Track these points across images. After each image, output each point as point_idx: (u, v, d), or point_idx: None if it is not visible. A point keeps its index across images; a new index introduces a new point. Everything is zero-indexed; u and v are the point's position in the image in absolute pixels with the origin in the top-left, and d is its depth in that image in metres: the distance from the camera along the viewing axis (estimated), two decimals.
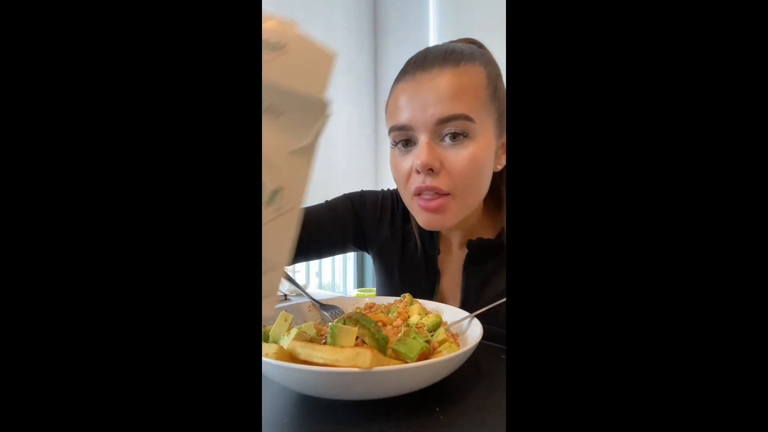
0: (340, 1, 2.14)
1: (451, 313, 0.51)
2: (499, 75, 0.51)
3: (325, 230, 0.62)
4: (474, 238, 0.57)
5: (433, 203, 0.47)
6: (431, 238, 0.61)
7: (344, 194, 0.67)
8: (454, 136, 0.45)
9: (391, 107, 0.50)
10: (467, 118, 0.44)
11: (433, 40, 2.06)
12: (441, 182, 0.46)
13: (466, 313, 0.49)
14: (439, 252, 0.60)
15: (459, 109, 0.44)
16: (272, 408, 0.35)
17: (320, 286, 2.26)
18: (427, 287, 0.60)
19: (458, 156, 0.45)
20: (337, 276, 2.36)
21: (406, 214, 0.64)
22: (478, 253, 0.57)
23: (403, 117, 0.47)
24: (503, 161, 0.52)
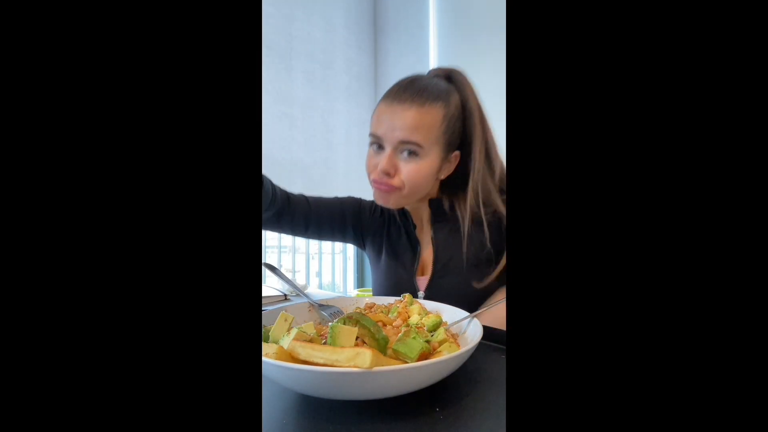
0: (341, 1, 2.14)
1: (451, 312, 0.51)
2: (457, 111, 0.70)
3: (330, 209, 0.83)
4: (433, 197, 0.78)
5: (384, 187, 0.69)
6: (405, 217, 0.81)
7: (350, 197, 0.89)
8: (409, 153, 0.67)
9: (375, 118, 0.70)
10: (419, 145, 0.66)
11: (433, 40, 2.06)
12: (393, 181, 0.68)
13: (466, 313, 0.49)
14: (415, 226, 0.80)
15: (414, 138, 0.65)
16: (272, 408, 0.35)
17: (320, 286, 2.26)
18: (410, 257, 0.79)
19: (408, 167, 0.67)
20: (337, 276, 2.36)
21: (383, 211, 0.84)
22: (438, 210, 0.77)
23: (380, 130, 0.68)
24: (445, 173, 0.73)
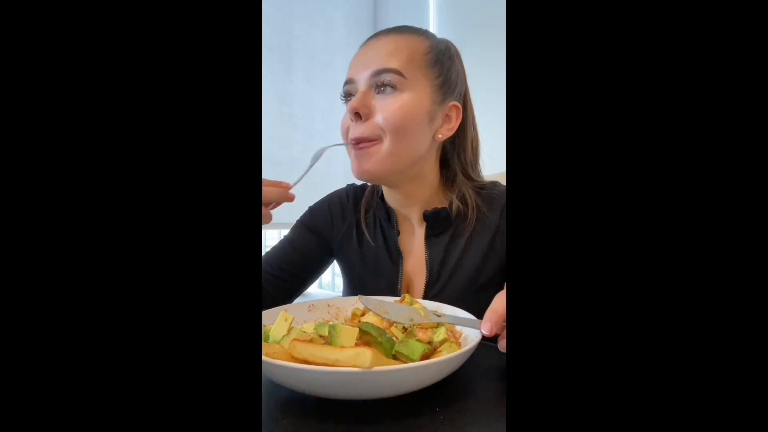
0: (341, 2, 2.14)
1: (451, 312, 0.51)
2: (447, 55, 0.57)
3: (296, 264, 0.65)
4: (430, 209, 0.61)
5: (362, 143, 0.52)
6: (389, 220, 0.63)
7: (296, 222, 0.71)
8: (384, 87, 0.51)
9: (349, 68, 0.56)
10: (398, 72, 0.50)
11: None
12: (368, 129, 0.51)
13: (468, 314, 0.49)
14: (398, 233, 0.62)
15: (392, 64, 0.51)
16: (272, 408, 0.35)
17: (320, 286, 2.26)
18: (391, 271, 0.62)
19: (386, 103, 0.51)
20: (337, 276, 2.36)
21: (357, 205, 0.67)
22: (434, 223, 0.60)
23: (350, 73, 0.54)
24: (446, 132, 0.57)
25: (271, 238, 2.00)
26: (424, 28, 0.60)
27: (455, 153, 0.62)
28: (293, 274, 0.65)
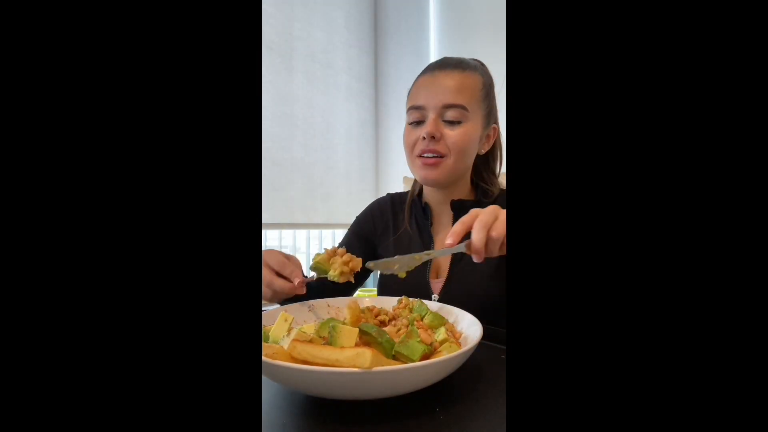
0: (342, 2, 2.14)
1: (456, 314, 0.51)
2: (491, 84, 0.73)
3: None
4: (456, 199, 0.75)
5: (432, 160, 0.67)
6: (424, 214, 0.77)
7: (347, 230, 0.86)
8: (452, 122, 0.66)
9: (413, 93, 0.71)
10: (463, 107, 0.66)
11: (433, 40, 2.06)
12: (439, 147, 0.67)
13: (471, 315, 0.49)
14: (431, 224, 0.77)
15: (459, 100, 0.66)
16: (272, 408, 0.35)
17: None
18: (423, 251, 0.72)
19: (454, 132, 0.67)
20: None
21: (394, 208, 0.83)
22: (460, 212, 0.71)
23: (421, 99, 0.68)
24: (486, 147, 0.74)
25: (272, 238, 2.00)
26: (474, 60, 0.76)
27: (486, 162, 0.78)
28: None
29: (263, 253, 0.57)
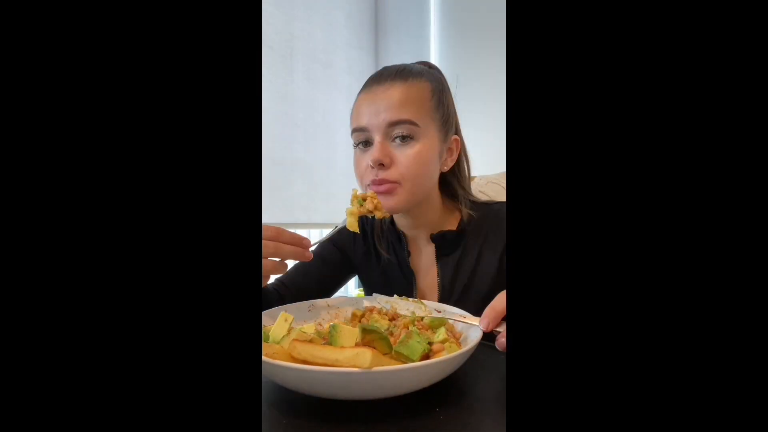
0: (342, 1, 2.14)
1: (452, 313, 0.51)
2: (443, 89, 0.63)
3: (323, 273, 0.73)
4: (436, 231, 0.66)
5: (383, 187, 0.57)
6: (399, 242, 0.69)
7: (326, 239, 0.77)
8: (403, 138, 0.57)
9: (354, 113, 0.61)
10: (412, 122, 0.56)
11: (434, 40, 2.06)
12: (390, 174, 0.57)
13: (467, 314, 0.49)
14: (409, 254, 0.68)
15: (405, 115, 0.56)
16: (272, 408, 0.35)
17: None
18: (406, 288, 0.68)
19: (405, 153, 0.57)
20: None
21: (373, 231, 0.73)
22: (443, 244, 0.66)
23: (363, 120, 0.58)
24: (449, 162, 0.64)
25: None
26: (419, 64, 0.65)
27: (454, 176, 0.68)
28: (319, 281, 0.71)
29: (266, 227, 0.51)
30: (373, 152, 0.57)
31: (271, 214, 1.77)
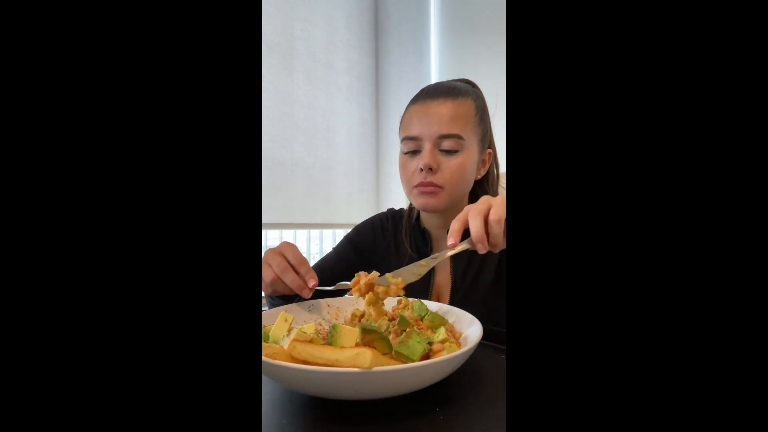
0: (342, 1, 2.14)
1: (454, 313, 0.51)
2: (485, 107, 0.72)
3: (338, 274, 0.76)
4: None
5: (429, 188, 0.66)
6: (423, 239, 0.76)
7: (344, 237, 0.85)
8: (449, 151, 0.65)
9: (405, 123, 0.70)
10: (459, 137, 0.65)
11: (434, 40, 2.06)
12: (436, 179, 0.66)
13: (470, 315, 0.49)
14: (431, 251, 0.74)
15: (454, 130, 0.65)
16: (272, 408, 0.35)
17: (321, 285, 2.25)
18: (424, 281, 0.71)
19: (450, 162, 0.66)
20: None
21: (396, 228, 0.81)
22: (462, 238, 0.67)
23: (415, 130, 0.67)
24: (482, 172, 0.73)
25: (273, 238, 2.00)
26: (463, 83, 0.74)
27: (483, 184, 0.76)
28: (333, 281, 0.75)
29: (282, 244, 0.56)
30: (424, 158, 0.65)
31: (270, 214, 1.77)
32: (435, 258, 0.49)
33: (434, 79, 1.99)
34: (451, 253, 0.46)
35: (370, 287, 0.50)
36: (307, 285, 0.53)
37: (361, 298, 0.52)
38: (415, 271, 0.49)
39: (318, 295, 0.56)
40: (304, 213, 1.91)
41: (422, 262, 0.49)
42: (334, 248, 0.83)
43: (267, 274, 0.54)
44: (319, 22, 2.01)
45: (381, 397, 0.34)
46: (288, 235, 2.01)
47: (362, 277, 0.52)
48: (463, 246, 0.45)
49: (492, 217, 0.42)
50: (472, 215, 0.43)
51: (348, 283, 0.55)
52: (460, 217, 0.45)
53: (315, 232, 2.09)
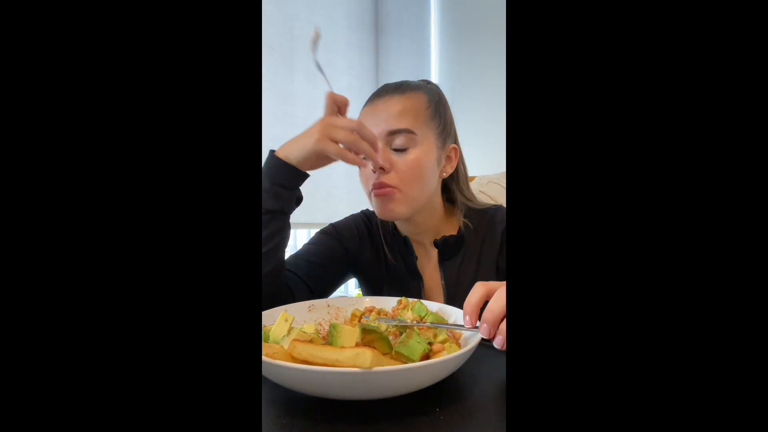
0: (342, 1, 2.14)
1: (454, 314, 0.51)
2: (440, 101, 0.68)
3: (323, 266, 0.70)
4: (438, 237, 0.70)
5: (383, 191, 0.61)
6: (405, 246, 0.72)
7: (317, 234, 0.78)
8: (401, 148, 0.61)
9: None
10: (409, 131, 0.61)
11: (434, 40, 2.06)
12: (390, 179, 0.61)
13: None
14: (416, 258, 0.71)
15: (403, 124, 0.61)
16: (272, 408, 0.35)
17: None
18: (414, 290, 0.71)
19: (403, 160, 0.61)
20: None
21: (379, 233, 0.75)
22: (445, 249, 0.70)
23: None
24: (449, 169, 0.69)
25: None
26: (417, 81, 0.70)
27: (454, 183, 0.72)
28: (317, 275, 0.69)
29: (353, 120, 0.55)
30: (374, 159, 0.59)
31: None
32: (439, 312, 0.48)
33: (434, 78, 1.99)
34: (458, 328, 0.43)
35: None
36: (375, 150, 0.53)
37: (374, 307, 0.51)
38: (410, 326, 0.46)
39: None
40: (304, 212, 1.90)
41: (422, 326, 0.45)
42: (311, 243, 0.76)
43: (330, 146, 0.52)
44: (319, 22, 2.01)
45: (381, 397, 0.34)
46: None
47: (404, 303, 0.52)
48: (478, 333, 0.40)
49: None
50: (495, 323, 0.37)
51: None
52: (495, 310, 0.38)
53: (315, 232, 2.09)
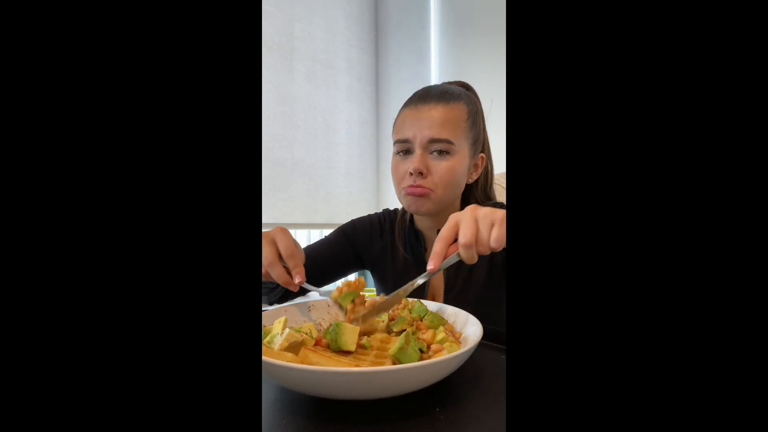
0: (342, 1, 2.14)
1: (454, 314, 0.51)
2: (477, 111, 0.73)
3: (330, 264, 0.79)
4: None
5: (418, 190, 0.67)
6: (417, 239, 0.77)
7: (338, 228, 0.85)
8: (440, 152, 0.67)
9: (398, 125, 0.71)
10: (449, 141, 0.66)
11: (434, 40, 2.06)
12: (426, 182, 0.67)
13: (469, 314, 0.49)
14: (425, 250, 0.76)
15: (444, 135, 0.66)
16: (272, 408, 0.35)
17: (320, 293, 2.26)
18: (420, 285, 0.69)
19: (440, 166, 0.67)
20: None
21: (393, 229, 0.82)
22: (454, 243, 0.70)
23: (407, 133, 0.68)
24: (474, 176, 0.74)
25: None
26: (458, 86, 0.75)
27: (475, 187, 0.78)
28: (324, 271, 0.77)
29: (275, 229, 0.55)
30: (414, 162, 0.66)
31: (270, 214, 1.77)
32: (413, 283, 0.49)
33: (434, 79, 1.99)
34: (432, 275, 0.46)
35: (362, 302, 0.50)
36: (293, 281, 0.52)
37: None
38: (400, 297, 0.49)
39: (304, 291, 0.55)
40: (304, 213, 1.91)
41: (399, 291, 0.48)
42: (326, 238, 0.82)
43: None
44: (319, 22, 2.01)
45: (381, 397, 0.34)
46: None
47: (346, 287, 0.51)
48: (451, 261, 0.45)
49: (481, 225, 0.42)
50: (461, 243, 0.43)
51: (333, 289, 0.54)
52: (444, 236, 0.44)
53: (315, 232, 2.09)
